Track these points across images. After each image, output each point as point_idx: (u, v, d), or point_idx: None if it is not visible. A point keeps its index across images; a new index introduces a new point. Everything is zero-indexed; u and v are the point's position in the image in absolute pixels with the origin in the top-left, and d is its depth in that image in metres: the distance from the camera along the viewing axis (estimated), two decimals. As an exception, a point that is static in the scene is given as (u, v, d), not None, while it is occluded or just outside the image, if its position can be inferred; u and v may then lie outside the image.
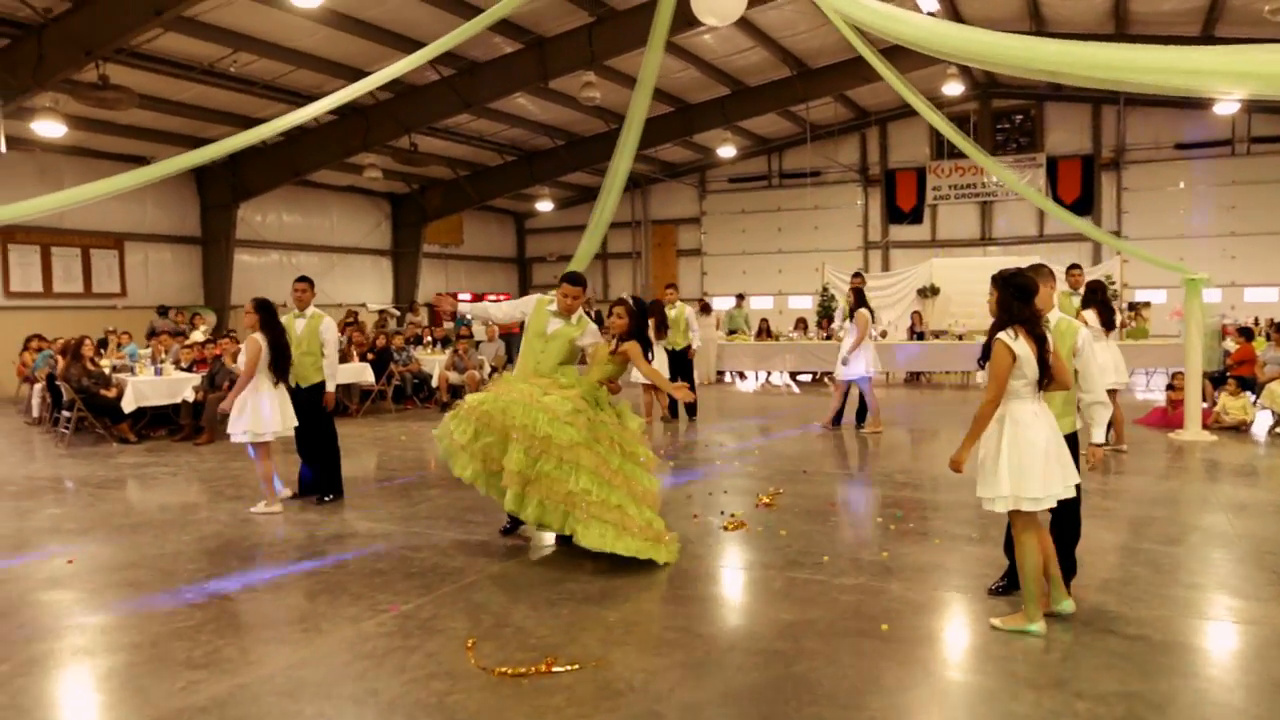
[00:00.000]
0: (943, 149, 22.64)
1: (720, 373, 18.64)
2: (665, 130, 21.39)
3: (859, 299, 10.94)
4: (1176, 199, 21.33)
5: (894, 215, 24.06)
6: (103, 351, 13.87)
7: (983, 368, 4.48)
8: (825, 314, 18.66)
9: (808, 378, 18.17)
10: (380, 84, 8.26)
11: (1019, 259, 17.49)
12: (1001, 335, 4.36)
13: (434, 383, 14.39)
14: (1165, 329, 17.72)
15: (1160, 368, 15.95)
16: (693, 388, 12.73)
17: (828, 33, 14.62)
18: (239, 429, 7.19)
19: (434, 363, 14.71)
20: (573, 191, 26.04)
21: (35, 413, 12.87)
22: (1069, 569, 4.92)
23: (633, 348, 5.92)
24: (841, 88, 20.20)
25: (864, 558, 5.76)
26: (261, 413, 7.19)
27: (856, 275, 12.59)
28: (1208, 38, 16.04)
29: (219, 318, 19.00)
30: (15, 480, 8.83)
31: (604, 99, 16.96)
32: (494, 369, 14.55)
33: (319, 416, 7.72)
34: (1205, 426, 10.38)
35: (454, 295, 24.85)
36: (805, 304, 23.16)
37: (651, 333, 12.29)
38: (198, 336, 14.42)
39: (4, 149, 13.15)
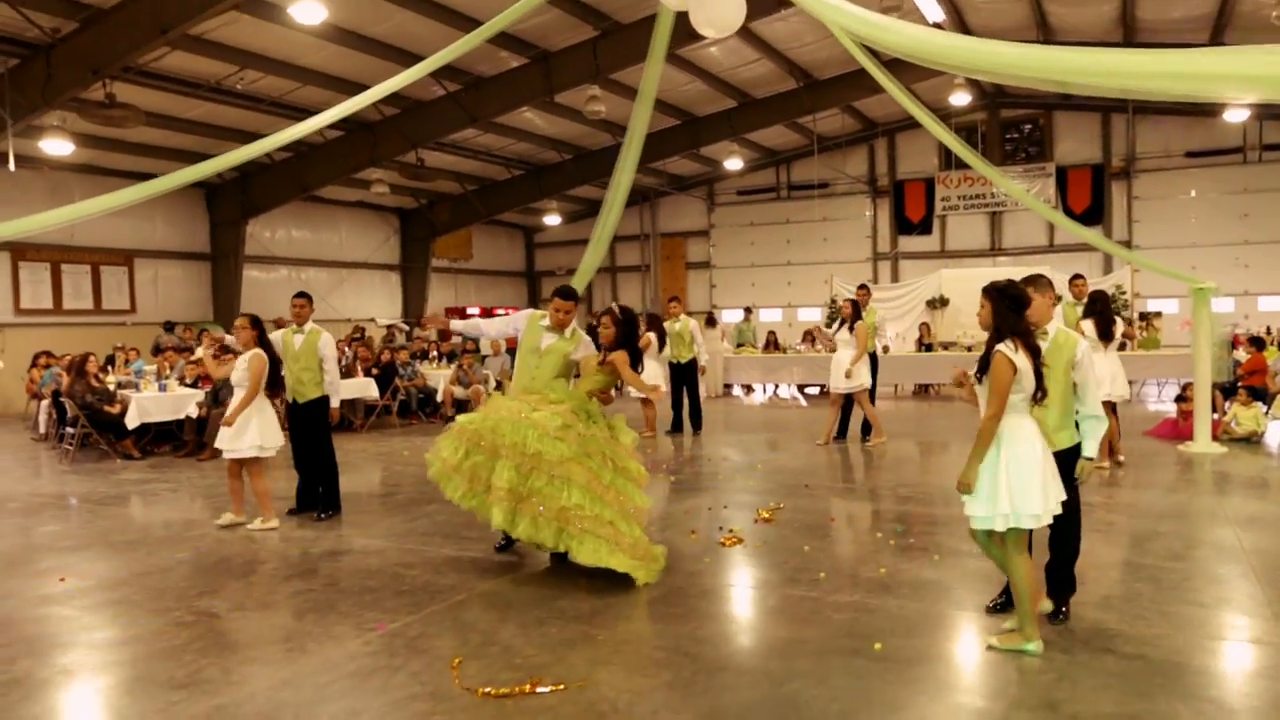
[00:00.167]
0: (951, 159, 22.54)
1: (728, 386, 18.57)
2: (672, 143, 21.42)
3: (856, 311, 10.89)
4: (1188, 208, 21.15)
5: (903, 226, 23.97)
6: (110, 368, 13.94)
7: (980, 382, 4.39)
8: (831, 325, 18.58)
9: (815, 390, 18.06)
10: (380, 97, 8.26)
11: (1029, 269, 17.46)
12: (1001, 347, 4.29)
13: (439, 397, 14.37)
14: (1177, 339, 17.55)
15: (1172, 378, 15.77)
16: (698, 401, 12.70)
17: (834, 44, 14.58)
18: (245, 444, 7.14)
19: (439, 377, 14.70)
20: (581, 205, 26.07)
21: (42, 429, 12.92)
22: (1068, 586, 4.83)
23: (619, 357, 5.85)
24: (848, 99, 20.17)
25: (861, 574, 5.67)
26: (268, 427, 7.20)
27: (862, 287, 12.51)
28: (1216, 45, 15.93)
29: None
30: (17, 496, 8.85)
31: (610, 112, 16.97)
32: (499, 383, 14.52)
33: (317, 432, 7.70)
34: (1215, 438, 10.23)
35: (461, 311, 24.95)
36: (814, 316, 23.07)
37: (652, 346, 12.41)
38: (202, 353, 14.43)
39: (13, 167, 13.27)
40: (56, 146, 13.98)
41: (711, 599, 5.24)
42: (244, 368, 7.27)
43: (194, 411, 11.11)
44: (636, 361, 5.98)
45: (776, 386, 18.95)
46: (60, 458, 11.07)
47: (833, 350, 11.31)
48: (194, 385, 11.59)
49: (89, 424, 10.78)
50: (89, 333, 17.08)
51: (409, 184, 21.56)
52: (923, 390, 17.77)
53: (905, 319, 19.00)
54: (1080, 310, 9.56)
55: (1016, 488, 4.25)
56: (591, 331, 22.75)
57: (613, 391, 6.09)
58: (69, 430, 11.03)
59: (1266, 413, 10.93)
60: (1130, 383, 15.99)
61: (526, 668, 4.23)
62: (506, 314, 21.72)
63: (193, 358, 11.99)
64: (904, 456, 10.58)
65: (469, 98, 16.74)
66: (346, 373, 13.65)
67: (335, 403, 7.62)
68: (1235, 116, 18.67)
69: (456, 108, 16.87)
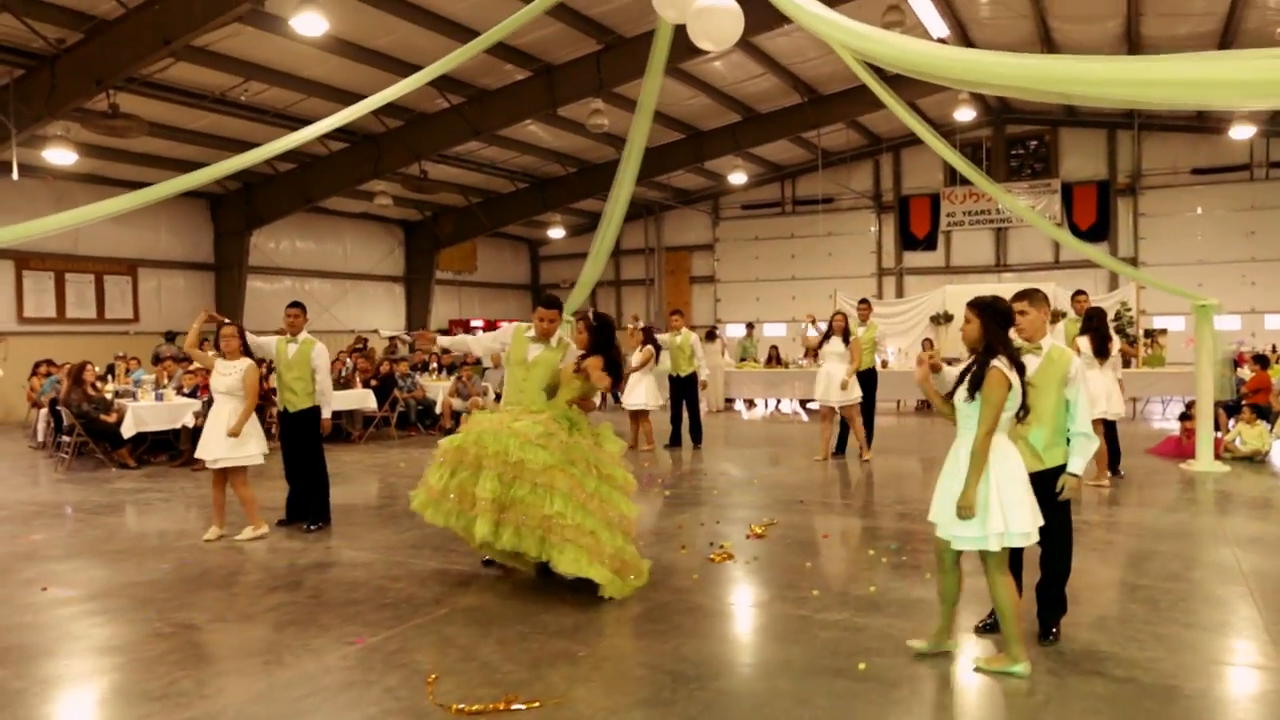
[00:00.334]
0: (956, 175, 22.46)
1: (729, 400, 18.49)
2: (676, 157, 21.43)
3: (846, 324, 10.90)
4: (1194, 224, 21.03)
5: (908, 242, 23.89)
6: (110, 377, 13.94)
7: (972, 398, 4.30)
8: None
9: (816, 406, 17.93)
10: (377, 106, 8.23)
11: (1034, 286, 17.36)
12: (997, 364, 4.24)
13: (438, 409, 14.33)
14: (1183, 356, 17.40)
15: (1177, 396, 15.65)
16: (698, 416, 12.63)
17: (838, 59, 14.52)
18: (238, 453, 7.11)
19: (439, 389, 14.67)
20: (585, 218, 26.07)
21: (40, 437, 12.92)
22: (1059, 606, 4.74)
23: (592, 363, 5.74)
24: (853, 114, 20.14)
25: (851, 592, 5.59)
26: (254, 435, 7.19)
27: (863, 302, 12.43)
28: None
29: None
30: (9, 504, 8.82)
31: (613, 126, 16.98)
32: (498, 395, 14.46)
33: (308, 442, 7.65)
34: (1218, 457, 10.12)
35: (466, 323, 24.94)
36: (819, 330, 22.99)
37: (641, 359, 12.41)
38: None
39: (16, 176, 13.32)
40: (60, 156, 14.04)
41: (697, 616, 5.16)
42: (238, 378, 7.23)
43: (190, 421, 11.08)
44: (614, 368, 5.84)
45: (778, 401, 18.86)
46: (56, 466, 11.06)
47: (815, 358, 11.27)
48: (191, 395, 11.57)
49: (85, 432, 10.76)
50: (92, 342, 17.10)
51: (413, 196, 21.59)
52: (924, 406, 17.64)
53: (909, 335, 18.90)
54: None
55: (1010, 506, 4.19)
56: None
57: (596, 399, 5.98)
58: (65, 439, 11.01)
59: (1271, 431, 10.80)
60: (1134, 400, 16.04)
61: (504, 684, 4.16)
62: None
63: (190, 367, 11.96)
64: (903, 473, 10.49)
65: (472, 110, 16.76)
66: (345, 384, 13.65)
67: (326, 413, 7.59)
68: (1241, 133, 18.58)
69: (460, 120, 16.90)
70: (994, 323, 4.34)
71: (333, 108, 15.73)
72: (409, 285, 24.89)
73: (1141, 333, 17.20)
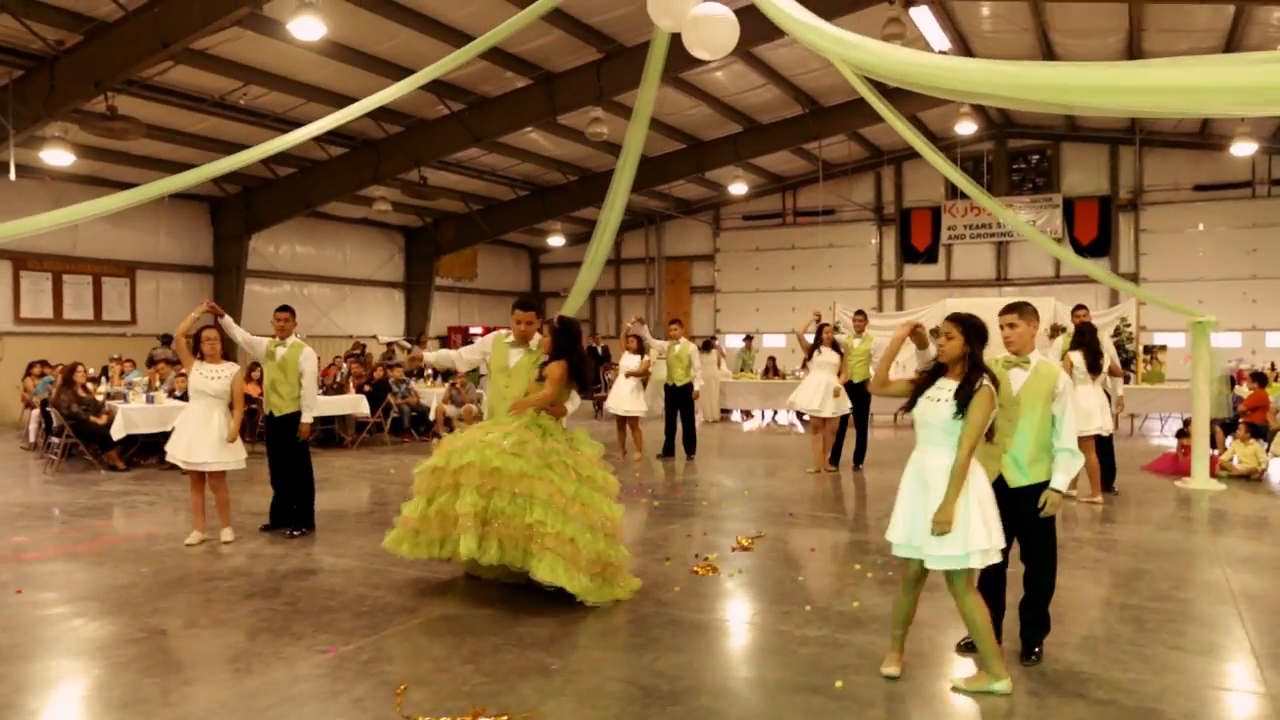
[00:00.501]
0: (958, 188, 22.41)
1: (725, 411, 18.41)
2: (677, 166, 21.43)
3: (834, 341, 10.94)
4: (1195, 241, 20.97)
5: (908, 255, 23.84)
6: (105, 378, 13.90)
7: (958, 416, 4.23)
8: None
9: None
10: (371, 109, 8.18)
11: (1035, 300, 17.28)
12: (986, 382, 4.21)
13: (431, 416, 14.27)
14: (1182, 373, 17.30)
15: (1175, 413, 15.56)
16: (692, 426, 12.55)
17: (839, 71, 14.56)
18: (238, 456, 7.16)
19: (434, 396, 14.61)
20: (585, 227, 26.04)
21: (32, 438, 12.88)
22: (1042, 626, 4.66)
23: (552, 370, 5.64)
24: (854, 126, 20.10)
25: (834, 607, 5.51)
26: (240, 442, 7.20)
27: (859, 314, 12.37)
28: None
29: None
30: (-7, 506, 8.78)
31: (613, 134, 16.93)
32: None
33: (293, 447, 7.59)
34: (1214, 475, 10.03)
35: (465, 330, 24.90)
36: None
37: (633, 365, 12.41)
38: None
39: (14, 176, 13.31)
40: (57, 157, 14.02)
41: (675, 629, 5.08)
42: (227, 383, 7.21)
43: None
44: (580, 375, 5.75)
45: (775, 412, 18.78)
46: (45, 467, 11.01)
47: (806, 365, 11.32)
48: (182, 398, 11.51)
49: (74, 434, 10.72)
50: (89, 343, 17.09)
51: (412, 202, 21.60)
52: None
53: (907, 348, 18.78)
54: (1079, 341, 9.41)
55: (992, 523, 4.15)
56: (593, 352, 22.58)
57: (569, 405, 5.90)
58: (54, 440, 10.97)
59: (1267, 450, 10.71)
60: (1132, 416, 15.95)
61: (474, 696, 4.10)
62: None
63: (182, 369, 11.90)
64: (895, 487, 10.36)
65: (472, 117, 16.76)
66: (339, 389, 13.61)
67: (307, 418, 7.50)
68: (1243, 150, 18.51)
69: (460, 127, 16.89)
70: (975, 339, 4.30)
71: (329, 112, 15.78)
72: (409, 291, 24.86)
73: (1141, 349, 17.12)
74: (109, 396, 11.67)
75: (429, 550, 5.59)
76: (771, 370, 18.95)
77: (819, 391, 10.70)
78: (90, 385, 11.57)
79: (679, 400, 12.44)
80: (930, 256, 23.57)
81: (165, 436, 11.07)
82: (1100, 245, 21.45)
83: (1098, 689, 4.23)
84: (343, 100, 15.34)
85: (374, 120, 16.73)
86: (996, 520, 4.18)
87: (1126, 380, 15.62)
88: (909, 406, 4.44)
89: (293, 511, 7.57)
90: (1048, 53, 16.57)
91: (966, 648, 4.73)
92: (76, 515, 8.39)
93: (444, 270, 25.36)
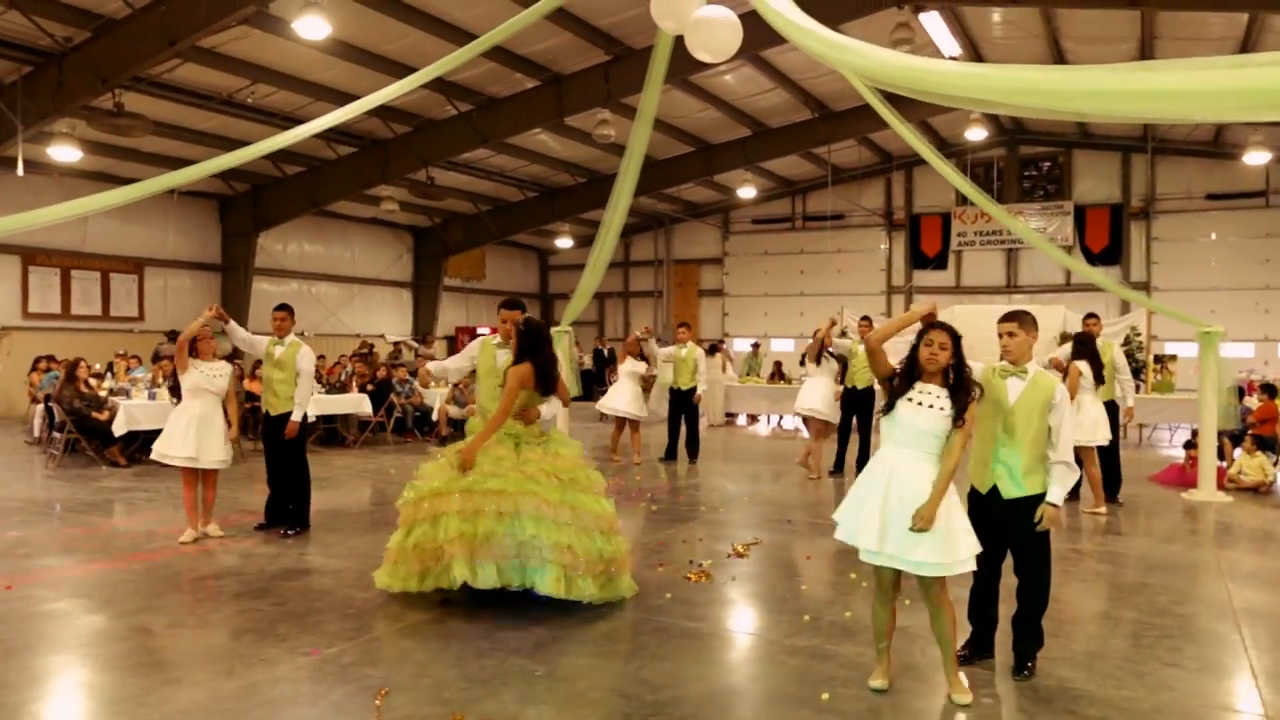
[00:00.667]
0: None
1: (731, 415, 18.34)
2: (686, 169, 21.38)
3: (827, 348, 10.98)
4: (1208, 250, 20.77)
5: (918, 260, 23.73)
6: (111, 374, 13.94)
7: (957, 425, 4.18)
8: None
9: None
10: (373, 106, 8.18)
11: (1045, 308, 17.15)
12: (976, 393, 4.20)
13: (434, 416, 14.25)
14: (1192, 383, 17.11)
15: (1185, 423, 15.39)
16: (696, 430, 12.48)
17: (847, 76, 14.49)
18: (223, 454, 7.20)
19: (436, 396, 14.59)
20: (593, 228, 25.69)
21: (36, 433, 12.91)
22: (1035, 640, 4.58)
23: (511, 373, 5.49)
24: (864, 131, 20.01)
25: (826, 617, 5.43)
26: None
27: (864, 319, 12.29)
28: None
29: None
30: (-8, 501, 8.79)
31: (620, 136, 16.85)
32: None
33: (289, 447, 7.56)
34: (1222, 487, 9.91)
35: (472, 331, 24.88)
36: (842, 345, 22.82)
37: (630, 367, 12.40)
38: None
39: (21, 171, 13.36)
40: (65, 153, 14.08)
41: (663, 637, 5.02)
42: (227, 381, 7.29)
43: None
44: (545, 380, 5.56)
45: (780, 417, 18.69)
46: (47, 462, 11.03)
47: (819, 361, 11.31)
48: (174, 394, 11.52)
49: (76, 429, 10.73)
50: (96, 339, 17.15)
51: (420, 202, 21.62)
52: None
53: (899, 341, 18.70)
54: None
55: (970, 531, 4.15)
56: (599, 355, 22.54)
57: (544, 409, 5.76)
58: (57, 435, 10.99)
59: (1276, 463, 10.58)
60: (1141, 426, 15.81)
61: (454, 702, 4.05)
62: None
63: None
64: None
65: (480, 118, 16.75)
66: (342, 388, 13.60)
67: (296, 416, 7.44)
68: (1257, 159, 18.33)
69: (468, 128, 16.89)
70: (962, 351, 4.26)
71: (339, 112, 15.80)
72: (417, 291, 24.88)
73: (1151, 358, 16.96)
74: (112, 392, 11.69)
75: (405, 583, 5.39)
76: (777, 375, 18.86)
77: (825, 395, 10.70)
78: (94, 381, 11.59)
79: (683, 404, 12.37)
80: (940, 263, 23.44)
81: (167, 434, 11.19)
82: (1111, 253, 21.29)
83: (1089, 706, 4.14)
84: (350, 100, 15.29)
85: (382, 120, 16.75)
86: (970, 527, 4.17)
87: (1136, 390, 15.53)
88: (888, 410, 4.33)
89: (288, 511, 7.55)
90: (1059, 59, 16.45)
91: (959, 660, 4.64)
92: (74, 511, 8.40)
93: (452, 270, 25.38)
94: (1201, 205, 20.75)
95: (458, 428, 12.71)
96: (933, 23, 14.31)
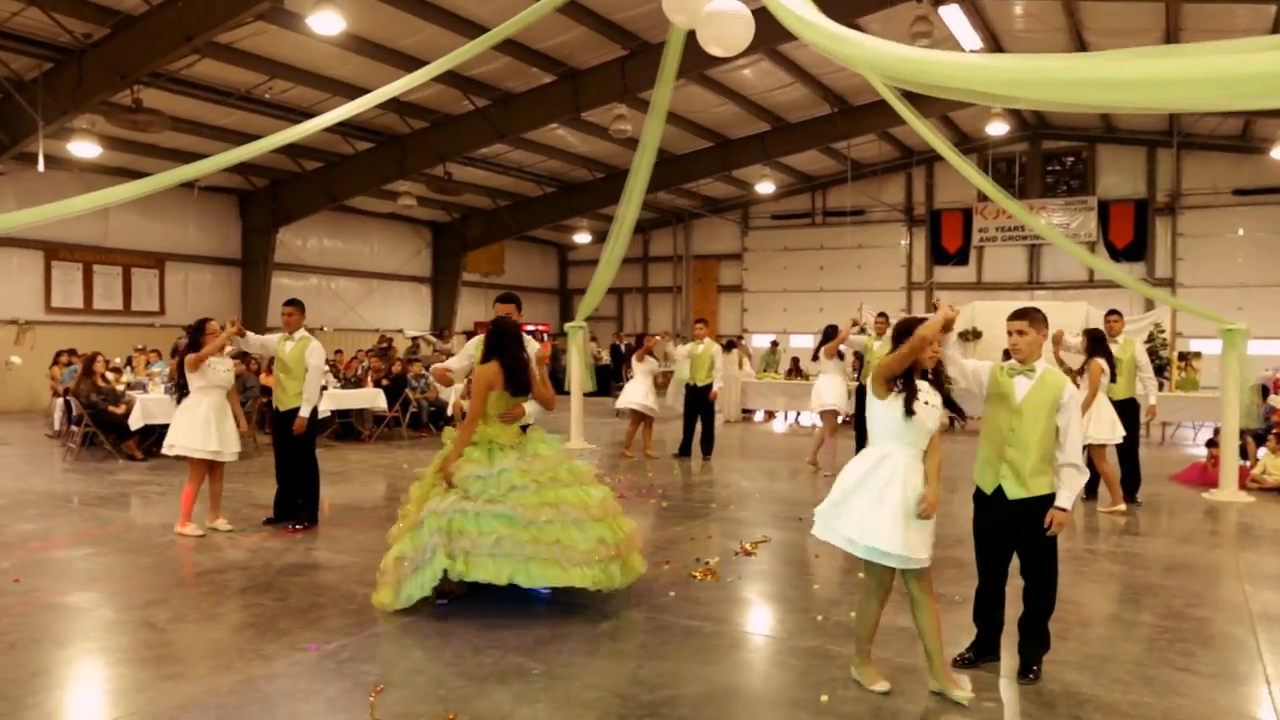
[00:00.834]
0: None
1: (748, 411, 18.25)
2: (704, 165, 21.29)
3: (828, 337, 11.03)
4: (1235, 246, 20.42)
5: (939, 256, 23.50)
6: (130, 368, 14.07)
7: (960, 426, 4.16)
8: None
9: (842, 419, 17.64)
10: (377, 102, 8.22)
11: (1067, 304, 16.92)
12: None
13: (449, 411, 14.26)
14: (1217, 381, 16.86)
15: (1208, 421, 15.14)
16: (711, 427, 12.41)
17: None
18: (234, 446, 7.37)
19: (451, 391, 14.58)
20: (611, 224, 25.97)
21: (57, 426, 13.04)
22: (1041, 643, 4.49)
23: (477, 374, 5.44)
24: (884, 125, 19.82)
25: (831, 616, 5.36)
26: None
27: (880, 316, 12.15)
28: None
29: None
30: (8, 492, 8.88)
31: (637, 131, 16.75)
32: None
33: (298, 442, 7.57)
34: (1244, 487, 9.73)
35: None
36: (857, 342, 22.67)
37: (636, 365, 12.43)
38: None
39: (42, 167, 13.49)
40: (84, 149, 14.21)
41: (664, 636, 4.98)
42: (232, 373, 7.39)
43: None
44: (514, 379, 5.43)
45: (798, 413, 18.58)
46: (65, 456, 11.13)
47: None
48: (182, 390, 11.58)
49: (93, 423, 10.83)
50: (118, 333, 17.32)
51: (439, 197, 21.65)
52: (950, 423, 17.24)
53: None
54: (1114, 346, 9.17)
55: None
56: (616, 351, 22.49)
57: (527, 407, 5.69)
58: (73, 428, 11.09)
59: (1300, 463, 10.36)
60: (1164, 424, 15.57)
61: (448, 700, 4.02)
62: (538, 330, 21.55)
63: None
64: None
65: (497, 113, 16.74)
66: (357, 382, 13.65)
67: (305, 411, 7.45)
68: (1286, 154, 18.01)
69: (484, 123, 16.88)
70: None
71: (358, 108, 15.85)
72: (435, 286, 24.95)
73: (1175, 356, 16.71)
74: (129, 386, 11.78)
75: (381, 599, 5.30)
76: (795, 371, 18.75)
77: (840, 391, 10.67)
78: (111, 375, 11.69)
79: (699, 400, 12.31)
80: (961, 258, 23.22)
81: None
82: (1136, 249, 20.99)
83: (1095, 711, 4.06)
84: (366, 94, 15.43)
85: (399, 115, 16.78)
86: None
87: (1160, 387, 15.29)
88: (910, 411, 4.26)
89: (297, 505, 7.57)
90: (1082, 51, 16.22)
91: (962, 663, 4.58)
92: (88, 504, 8.46)
93: (471, 266, 25.42)
94: (1228, 200, 20.40)
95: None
96: (953, 16, 14.16)
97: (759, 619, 5.38)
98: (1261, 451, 10.54)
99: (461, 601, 5.44)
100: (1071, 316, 15.28)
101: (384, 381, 13.83)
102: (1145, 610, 5.64)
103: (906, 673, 4.47)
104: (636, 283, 28.03)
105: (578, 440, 13.16)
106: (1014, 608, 4.56)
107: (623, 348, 24.05)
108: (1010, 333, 4.61)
